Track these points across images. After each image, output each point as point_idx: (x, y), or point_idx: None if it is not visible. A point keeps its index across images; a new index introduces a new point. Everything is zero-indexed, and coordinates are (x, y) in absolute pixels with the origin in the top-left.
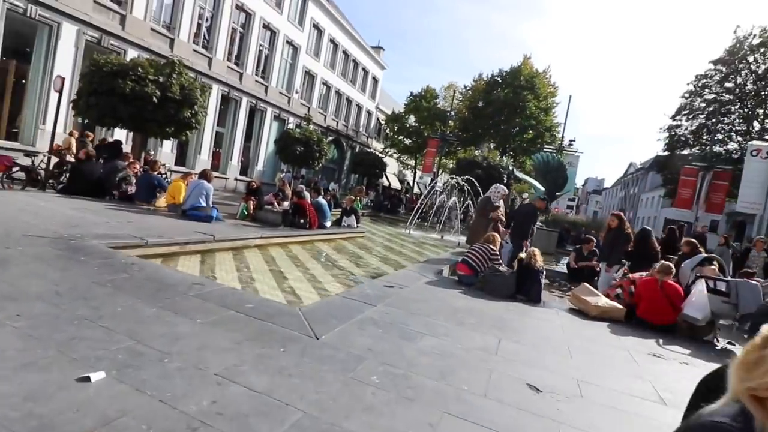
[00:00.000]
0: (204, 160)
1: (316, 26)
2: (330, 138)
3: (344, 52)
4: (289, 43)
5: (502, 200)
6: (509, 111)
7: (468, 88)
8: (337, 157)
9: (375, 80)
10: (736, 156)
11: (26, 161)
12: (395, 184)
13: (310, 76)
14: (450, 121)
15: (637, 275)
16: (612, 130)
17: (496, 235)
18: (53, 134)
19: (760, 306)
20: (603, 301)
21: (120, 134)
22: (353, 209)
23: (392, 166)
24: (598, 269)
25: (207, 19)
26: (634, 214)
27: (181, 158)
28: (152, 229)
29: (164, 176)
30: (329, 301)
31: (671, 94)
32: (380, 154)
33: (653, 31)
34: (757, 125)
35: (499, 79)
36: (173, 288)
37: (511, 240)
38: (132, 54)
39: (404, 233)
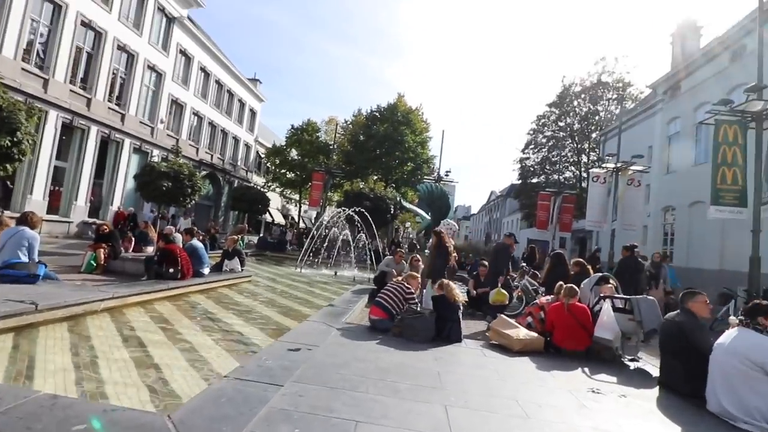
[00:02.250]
0: (38, 202)
1: (183, 52)
2: (204, 172)
3: (217, 81)
4: (152, 68)
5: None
6: (389, 144)
7: (349, 122)
8: (213, 193)
9: (253, 112)
10: (572, 182)
11: None
12: (279, 219)
13: (177, 105)
14: (333, 155)
15: (544, 300)
16: (475, 159)
17: (415, 274)
18: None
19: (661, 323)
20: (523, 332)
21: None
22: (236, 251)
23: (275, 200)
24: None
25: (42, 35)
26: (498, 237)
27: (4, 200)
28: None
29: None
30: (216, 390)
31: (522, 128)
32: (262, 189)
33: (500, 75)
34: (584, 157)
35: (377, 114)
36: None
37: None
38: None
39: (295, 273)
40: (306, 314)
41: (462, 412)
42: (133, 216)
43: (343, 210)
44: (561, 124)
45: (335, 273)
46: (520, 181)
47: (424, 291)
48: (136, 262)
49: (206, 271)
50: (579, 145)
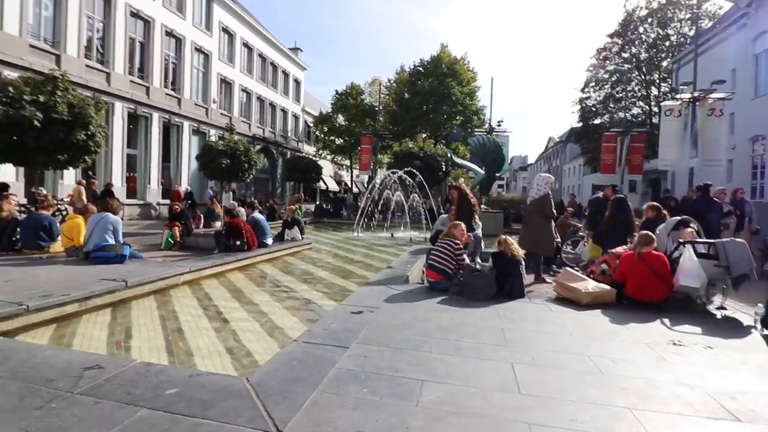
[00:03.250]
0: (117, 188)
1: (225, 30)
2: (258, 147)
3: (260, 55)
4: (198, 50)
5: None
6: (436, 99)
7: (392, 81)
8: (268, 166)
9: (297, 82)
10: (640, 119)
11: None
12: (333, 186)
13: (226, 84)
14: (379, 117)
15: (621, 249)
16: (530, 106)
17: (460, 224)
18: None
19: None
20: (591, 285)
21: (7, 172)
22: (295, 220)
23: (327, 168)
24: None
25: (98, 30)
26: (560, 185)
27: (90, 189)
28: (39, 287)
29: (62, 213)
30: (287, 354)
31: (579, 68)
32: (314, 158)
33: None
34: (654, 90)
35: (421, 69)
36: (51, 385)
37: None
38: (9, 76)
39: (353, 237)
40: (366, 277)
41: (529, 369)
42: (190, 194)
43: (394, 171)
44: (625, 55)
45: (391, 235)
46: (580, 124)
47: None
48: (207, 237)
49: (269, 241)
50: (647, 77)
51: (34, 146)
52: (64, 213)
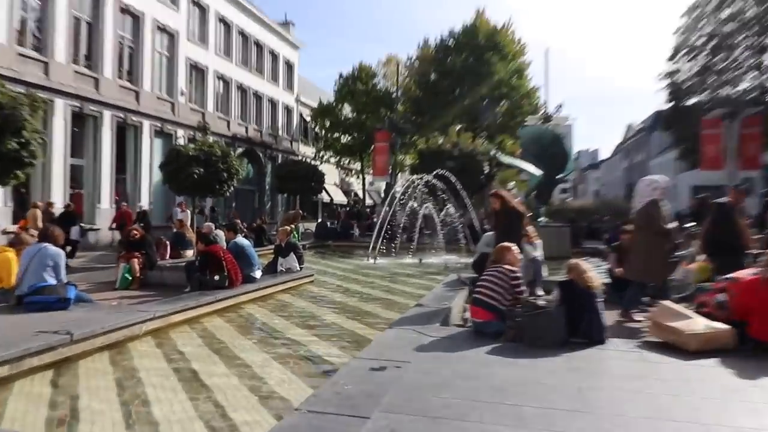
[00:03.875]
0: (57, 210)
1: (196, 2)
2: (240, 150)
3: (241, 33)
4: (162, 29)
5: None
6: (472, 79)
7: (413, 60)
8: (253, 174)
9: (289, 65)
10: (752, 96)
11: None
12: (339, 198)
13: (197, 71)
14: (398, 105)
15: (747, 273)
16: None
17: (513, 247)
18: None
19: None
20: (700, 323)
21: None
22: (291, 245)
23: (331, 174)
24: None
25: (34, 9)
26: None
27: (22, 212)
28: None
29: None
30: (287, 428)
31: (665, 30)
32: (313, 162)
33: None
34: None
35: (451, 42)
36: None
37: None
38: None
39: (368, 265)
40: (388, 319)
41: None
42: (143, 214)
43: (421, 176)
44: (727, 11)
45: (420, 261)
46: (670, 105)
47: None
48: (175, 271)
49: (258, 274)
50: (761, 39)
51: None
52: None
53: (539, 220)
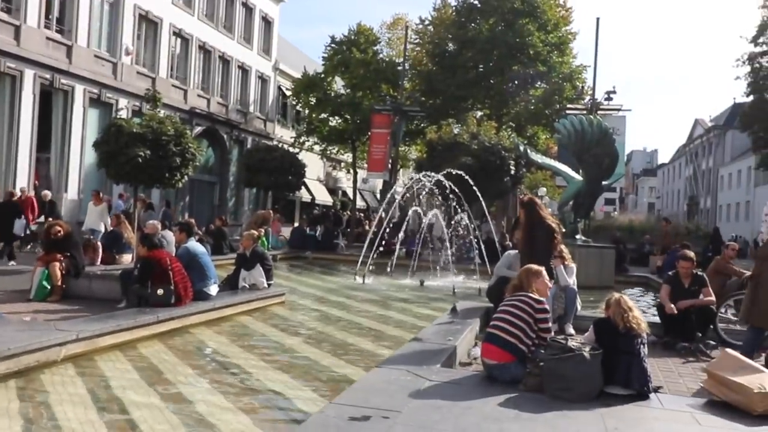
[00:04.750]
0: None
1: None
2: (199, 129)
3: None
4: None
5: None
6: (501, 53)
7: (427, 23)
8: (214, 160)
9: (267, 22)
10: None
11: None
12: (323, 197)
13: (149, 24)
14: (404, 81)
15: None
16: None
17: (536, 267)
18: None
19: None
20: None
21: None
22: (258, 254)
23: (314, 166)
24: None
25: None
26: (714, 201)
27: None
28: None
29: None
30: None
31: (745, 5)
32: (292, 149)
33: None
34: None
35: (477, 1)
36: None
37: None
38: None
39: (356, 285)
40: (377, 356)
41: None
42: (51, 205)
43: (428, 175)
44: None
45: (421, 283)
46: (751, 97)
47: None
48: (107, 281)
49: (213, 289)
50: None
51: None
52: None
53: (576, 238)
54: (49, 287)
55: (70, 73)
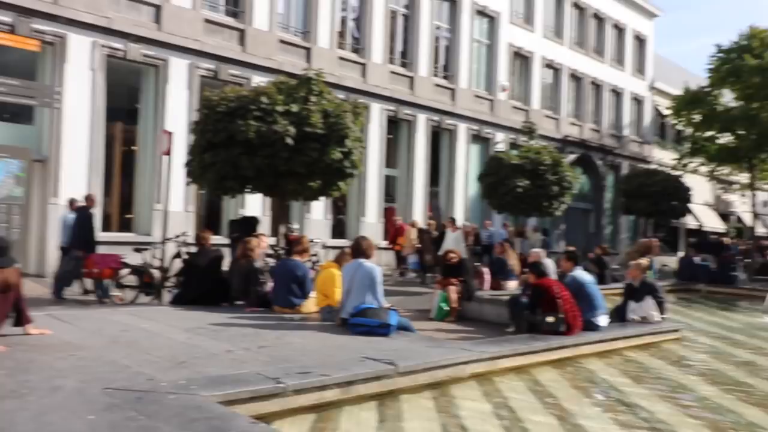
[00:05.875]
0: (371, 225)
1: None
2: (572, 156)
3: (575, 4)
4: (480, 12)
5: None
6: None
7: None
8: (589, 187)
9: (640, 41)
10: None
11: (137, 258)
12: (711, 223)
13: (521, 59)
14: None
15: None
16: None
17: None
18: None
19: None
20: None
21: (255, 203)
22: (648, 285)
23: (701, 189)
24: None
25: (354, 9)
26: None
27: (338, 227)
28: (295, 359)
29: (313, 261)
30: None
31: None
32: (673, 171)
33: None
34: None
35: None
36: None
37: None
38: (258, 81)
39: (762, 324)
40: None
41: None
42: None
43: None
44: None
45: None
46: None
47: None
48: (496, 305)
49: (603, 320)
50: None
51: (285, 170)
52: (315, 261)
53: None
54: (447, 308)
55: (453, 113)
